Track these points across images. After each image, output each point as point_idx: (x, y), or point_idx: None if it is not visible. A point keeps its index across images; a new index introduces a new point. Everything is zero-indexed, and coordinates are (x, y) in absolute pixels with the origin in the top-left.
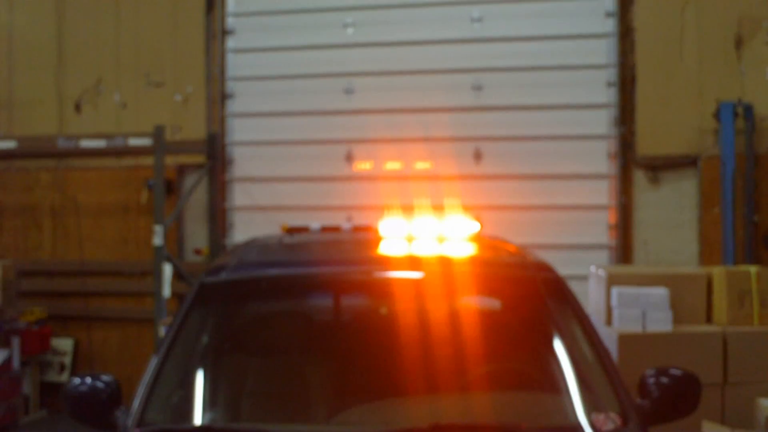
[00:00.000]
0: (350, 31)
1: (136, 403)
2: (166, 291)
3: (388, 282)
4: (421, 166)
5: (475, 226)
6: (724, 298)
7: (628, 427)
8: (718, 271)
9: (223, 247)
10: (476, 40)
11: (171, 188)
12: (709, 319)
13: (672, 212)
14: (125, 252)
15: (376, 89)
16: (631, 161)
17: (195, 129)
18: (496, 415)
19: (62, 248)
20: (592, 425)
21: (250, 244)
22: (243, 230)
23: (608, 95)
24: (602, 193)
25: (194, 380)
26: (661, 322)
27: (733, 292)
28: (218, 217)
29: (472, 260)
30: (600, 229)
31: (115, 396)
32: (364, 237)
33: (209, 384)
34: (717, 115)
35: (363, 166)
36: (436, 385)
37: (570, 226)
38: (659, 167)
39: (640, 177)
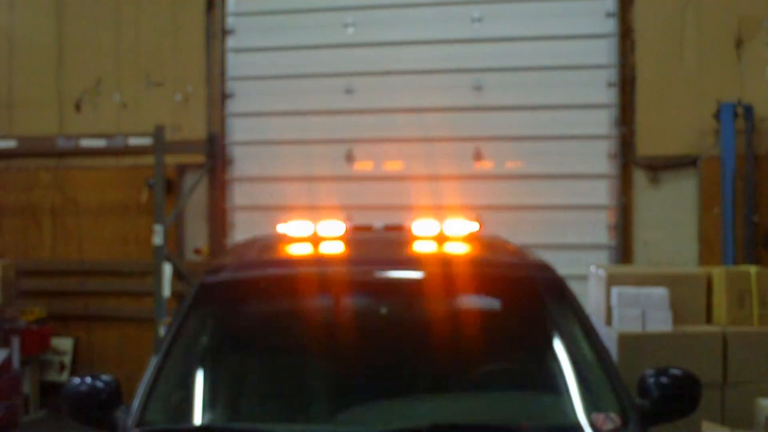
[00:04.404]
0: (350, 31)
1: (136, 403)
2: (166, 291)
3: (388, 282)
4: (421, 166)
5: (474, 226)
6: (724, 298)
7: (628, 427)
8: (718, 271)
9: (223, 247)
10: (476, 40)
11: (171, 188)
12: (709, 319)
13: (672, 212)
14: (125, 251)
15: (376, 89)
16: (631, 161)
17: (195, 129)
18: (496, 415)
19: (62, 248)
20: (592, 425)
21: (250, 244)
22: (243, 230)
23: (608, 95)
24: (602, 193)
25: (194, 380)
26: (661, 322)
27: (733, 292)
28: (218, 217)
29: (472, 260)
30: (600, 229)
31: (115, 396)
32: (363, 237)
33: (209, 384)
34: (717, 116)
35: (363, 166)
36: (436, 384)
37: (570, 226)
38: (659, 167)
39: (640, 177)
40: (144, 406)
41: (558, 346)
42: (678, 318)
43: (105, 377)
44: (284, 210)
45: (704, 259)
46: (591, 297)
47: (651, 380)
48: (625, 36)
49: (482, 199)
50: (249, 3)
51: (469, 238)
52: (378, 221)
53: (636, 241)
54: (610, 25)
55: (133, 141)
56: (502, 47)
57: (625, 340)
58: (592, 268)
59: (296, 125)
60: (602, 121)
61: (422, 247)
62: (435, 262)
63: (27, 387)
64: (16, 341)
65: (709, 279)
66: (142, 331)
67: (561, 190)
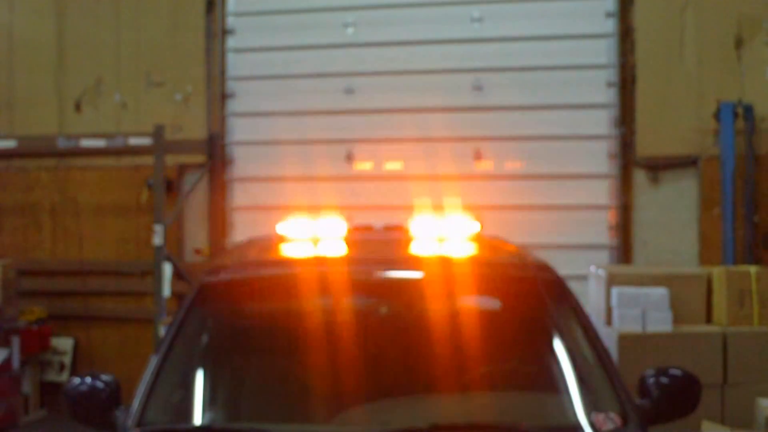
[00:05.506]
0: (350, 31)
1: (136, 403)
2: (166, 291)
3: (388, 282)
4: (421, 166)
5: (475, 226)
6: (724, 298)
7: (628, 427)
8: (718, 271)
9: (223, 247)
10: (476, 40)
11: (171, 188)
12: (709, 319)
13: (672, 212)
14: (125, 251)
15: (376, 89)
16: (631, 161)
17: (195, 129)
18: (496, 415)
19: (62, 248)
20: (592, 425)
21: (249, 244)
22: (243, 230)
23: (608, 95)
24: (602, 193)
25: (194, 380)
26: (661, 322)
27: (733, 292)
28: (218, 217)
29: (472, 260)
30: (600, 229)
31: (115, 396)
32: (364, 236)
33: (209, 384)
34: (717, 116)
35: (363, 166)
36: (435, 385)
37: (570, 226)
38: (659, 167)
39: (640, 177)
40: (144, 406)
41: (558, 346)
42: (678, 318)
43: (105, 377)
44: (284, 210)
45: (704, 259)
46: (591, 297)
47: (651, 380)
48: (625, 36)
49: (482, 199)
50: (249, 3)
51: (470, 239)
52: (378, 221)
53: (636, 241)
54: (610, 25)
55: (133, 141)
56: (502, 47)
57: (625, 340)
58: (592, 268)
59: (296, 125)
60: (602, 121)
61: (422, 248)
62: (435, 262)
63: (27, 387)
64: (16, 341)
65: (709, 279)
66: (142, 331)
67: (561, 190)
